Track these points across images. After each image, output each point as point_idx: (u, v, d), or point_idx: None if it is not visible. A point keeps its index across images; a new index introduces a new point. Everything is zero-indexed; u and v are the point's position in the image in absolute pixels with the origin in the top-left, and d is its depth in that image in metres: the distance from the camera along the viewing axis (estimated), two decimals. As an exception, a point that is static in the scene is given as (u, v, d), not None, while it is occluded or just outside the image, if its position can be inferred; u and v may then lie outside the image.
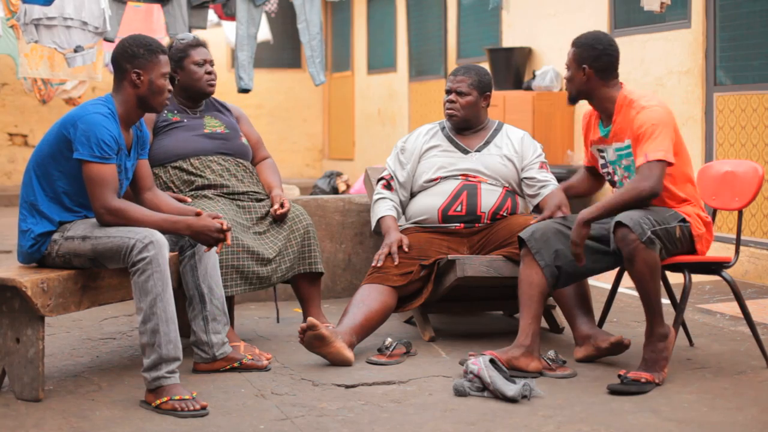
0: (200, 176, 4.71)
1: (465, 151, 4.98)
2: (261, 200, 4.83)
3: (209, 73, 4.85)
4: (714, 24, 7.07)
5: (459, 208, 4.84)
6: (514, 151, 4.97)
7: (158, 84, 4.02)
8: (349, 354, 4.33)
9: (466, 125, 4.99)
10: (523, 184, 4.98)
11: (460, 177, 4.89)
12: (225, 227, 4.01)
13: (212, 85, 4.87)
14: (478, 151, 4.97)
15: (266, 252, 4.60)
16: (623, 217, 4.06)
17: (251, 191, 4.79)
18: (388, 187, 5.03)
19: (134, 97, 4.03)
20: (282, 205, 4.75)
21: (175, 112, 4.85)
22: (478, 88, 4.95)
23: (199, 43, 4.91)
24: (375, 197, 5.05)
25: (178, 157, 4.74)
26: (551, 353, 4.29)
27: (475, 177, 4.89)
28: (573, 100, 4.46)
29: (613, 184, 4.50)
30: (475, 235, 4.85)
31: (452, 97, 4.95)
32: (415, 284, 4.71)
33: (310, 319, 4.24)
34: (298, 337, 4.31)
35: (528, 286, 4.23)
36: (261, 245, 4.62)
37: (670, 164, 4.17)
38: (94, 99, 4.06)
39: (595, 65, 4.34)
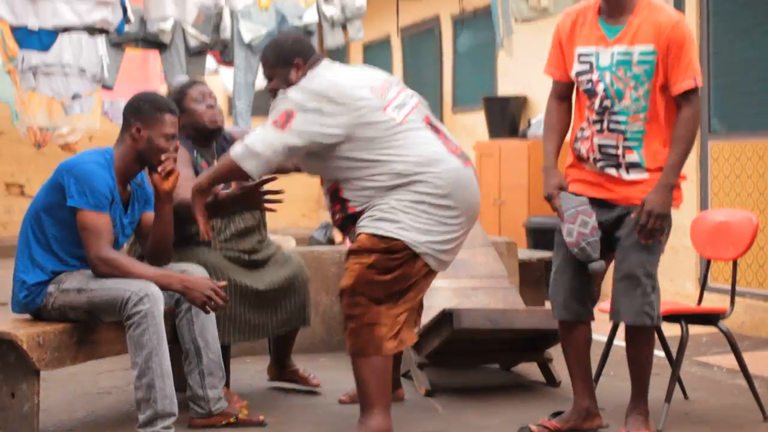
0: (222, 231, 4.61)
1: None
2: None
3: (211, 106, 4.57)
4: (708, 71, 7.10)
5: None
6: None
7: (156, 143, 4.01)
8: None
9: None
10: None
11: None
12: (220, 284, 4.01)
13: (214, 121, 4.56)
14: None
15: (258, 284, 4.52)
16: (624, 310, 3.91)
17: (257, 244, 4.69)
18: None
19: (133, 151, 4.03)
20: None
21: (195, 153, 4.59)
22: (279, 65, 4.10)
23: (195, 82, 4.69)
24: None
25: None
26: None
27: None
28: None
29: (592, 94, 3.97)
30: None
31: (270, 86, 4.14)
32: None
33: None
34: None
35: (575, 351, 4.14)
36: (251, 277, 4.53)
37: None
38: (92, 149, 4.08)
39: None
